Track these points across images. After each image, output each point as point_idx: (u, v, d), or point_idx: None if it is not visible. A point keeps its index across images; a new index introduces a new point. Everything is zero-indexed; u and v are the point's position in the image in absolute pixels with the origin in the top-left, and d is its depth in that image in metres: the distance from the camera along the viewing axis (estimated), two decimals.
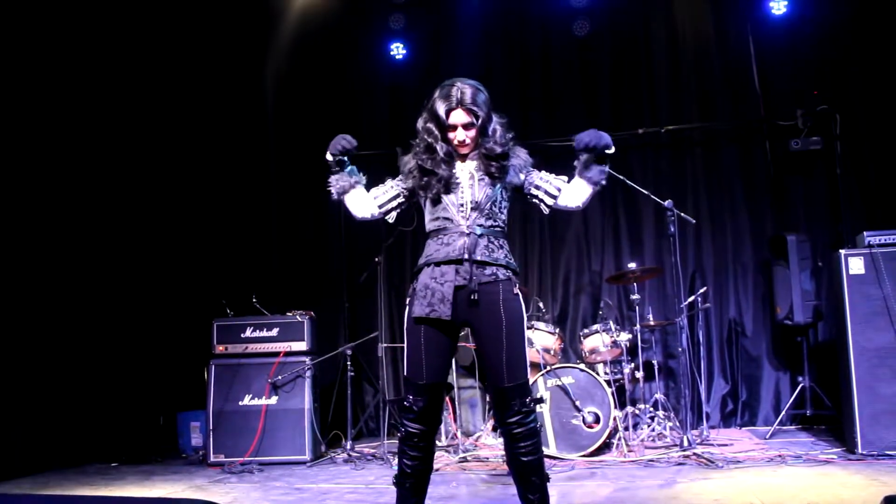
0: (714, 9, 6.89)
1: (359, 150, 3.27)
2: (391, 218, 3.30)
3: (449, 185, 3.05)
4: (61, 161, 6.03)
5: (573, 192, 3.21)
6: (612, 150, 3.14)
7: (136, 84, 6.73)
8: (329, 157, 3.22)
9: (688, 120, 6.84)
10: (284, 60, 7.41)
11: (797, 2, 6.59)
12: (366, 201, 3.27)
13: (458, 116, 3.02)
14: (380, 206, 3.26)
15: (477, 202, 3.04)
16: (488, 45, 7.20)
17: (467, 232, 3.02)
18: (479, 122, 3.02)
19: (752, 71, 6.74)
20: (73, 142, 6.13)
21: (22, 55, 5.72)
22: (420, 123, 3.14)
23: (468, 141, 3.05)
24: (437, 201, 3.08)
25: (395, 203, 3.26)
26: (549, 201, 3.22)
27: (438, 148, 3.05)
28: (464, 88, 3.03)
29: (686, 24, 6.93)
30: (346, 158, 3.24)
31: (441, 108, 3.02)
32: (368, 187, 3.32)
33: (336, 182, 3.24)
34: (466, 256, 2.98)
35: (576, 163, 3.21)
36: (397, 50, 7.33)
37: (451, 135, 3.06)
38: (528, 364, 3.07)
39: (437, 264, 3.02)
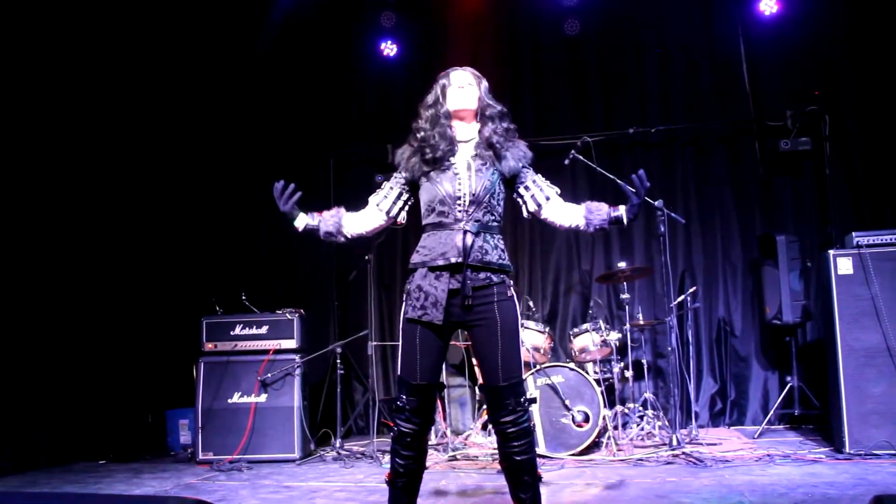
0: (704, 9, 6.90)
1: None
2: (402, 219, 3.24)
3: (450, 148, 3.07)
4: (46, 160, 5.99)
5: (563, 213, 3.16)
6: (625, 223, 3.12)
7: (126, 84, 6.69)
8: (297, 225, 3.19)
9: (677, 120, 6.85)
10: (274, 57, 7.38)
11: (787, 2, 6.61)
12: (368, 216, 3.21)
13: (461, 76, 3.17)
14: (387, 213, 3.20)
15: (475, 194, 3.01)
16: (478, 44, 7.17)
17: (463, 229, 2.98)
18: (481, 87, 3.16)
19: (742, 71, 6.74)
20: (59, 142, 6.09)
21: (14, 57, 5.68)
22: (422, 105, 3.19)
23: (471, 105, 3.12)
24: (432, 190, 3.03)
25: (401, 203, 3.20)
26: (532, 208, 3.17)
27: (442, 113, 3.10)
28: (466, 68, 3.22)
29: (676, 24, 6.94)
30: (297, 212, 3.19)
31: (445, 75, 3.19)
32: (360, 192, 3.27)
33: (322, 230, 3.20)
34: (461, 260, 2.95)
35: (591, 207, 3.14)
36: (388, 47, 7.32)
37: (454, 92, 3.13)
38: (523, 363, 3.08)
39: (432, 269, 3.00)
